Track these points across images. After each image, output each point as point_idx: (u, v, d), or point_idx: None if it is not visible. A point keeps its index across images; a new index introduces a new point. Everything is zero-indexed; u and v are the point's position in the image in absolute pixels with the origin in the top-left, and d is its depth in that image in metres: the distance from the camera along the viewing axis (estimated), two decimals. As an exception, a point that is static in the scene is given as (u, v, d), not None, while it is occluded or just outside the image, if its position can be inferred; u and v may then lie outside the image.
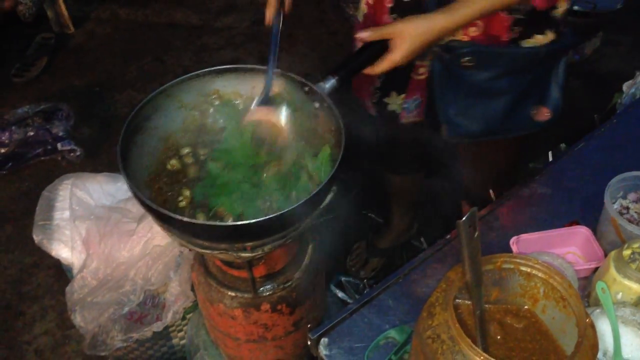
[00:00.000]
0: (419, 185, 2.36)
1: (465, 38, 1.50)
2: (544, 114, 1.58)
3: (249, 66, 1.44)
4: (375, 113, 1.82)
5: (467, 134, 1.59)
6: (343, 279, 2.37)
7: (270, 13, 1.41)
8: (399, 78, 1.68)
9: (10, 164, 2.91)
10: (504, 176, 1.94)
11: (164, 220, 1.27)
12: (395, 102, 1.75)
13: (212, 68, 1.43)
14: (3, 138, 2.90)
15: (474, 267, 0.93)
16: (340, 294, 2.27)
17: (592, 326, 0.93)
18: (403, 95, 1.72)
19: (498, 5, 1.37)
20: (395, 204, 2.48)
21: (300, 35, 3.71)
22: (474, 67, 1.47)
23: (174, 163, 1.42)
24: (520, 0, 1.40)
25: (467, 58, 1.45)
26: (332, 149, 1.38)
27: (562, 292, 0.97)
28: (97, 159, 3.02)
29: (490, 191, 1.57)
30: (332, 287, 2.31)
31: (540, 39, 1.51)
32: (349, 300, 2.23)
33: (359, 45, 1.38)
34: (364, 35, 1.34)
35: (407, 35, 1.31)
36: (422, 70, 1.63)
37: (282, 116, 1.36)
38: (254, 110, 1.37)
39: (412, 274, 1.36)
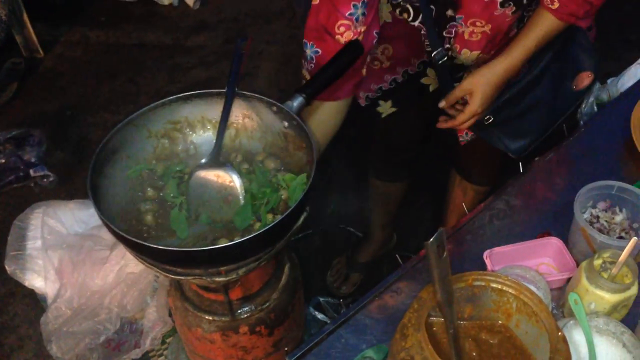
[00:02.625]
0: (403, 195, 2.37)
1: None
2: (585, 79, 1.64)
3: (215, 91, 1.43)
4: (363, 104, 1.87)
5: (530, 145, 1.68)
6: (321, 299, 2.35)
7: None
8: (405, 94, 1.82)
9: (-18, 192, 2.87)
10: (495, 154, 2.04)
11: (137, 250, 1.26)
12: (385, 109, 1.85)
13: (178, 95, 1.42)
14: (-26, 166, 2.85)
15: (445, 286, 0.93)
16: (319, 316, 2.25)
17: (564, 340, 0.93)
18: (396, 109, 1.84)
19: (550, 35, 1.48)
20: (376, 214, 2.49)
21: (272, 52, 3.72)
22: (495, 118, 1.60)
23: (149, 194, 1.41)
24: (568, 24, 1.49)
25: (486, 117, 1.59)
26: (306, 172, 1.38)
27: (533, 307, 0.98)
28: (72, 184, 2.99)
29: (463, 204, 1.58)
30: (311, 309, 2.28)
31: None
32: (328, 322, 2.21)
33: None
34: (442, 104, 1.56)
35: (477, 87, 1.49)
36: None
37: (234, 178, 1.36)
38: (200, 172, 1.37)
39: (387, 292, 1.36)
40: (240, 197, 1.37)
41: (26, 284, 1.87)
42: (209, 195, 1.38)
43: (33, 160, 2.92)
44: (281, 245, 1.33)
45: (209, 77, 3.58)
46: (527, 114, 1.64)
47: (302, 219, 1.34)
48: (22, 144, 2.97)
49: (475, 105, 1.51)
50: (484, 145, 1.94)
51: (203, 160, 1.40)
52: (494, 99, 1.54)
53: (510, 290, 1.00)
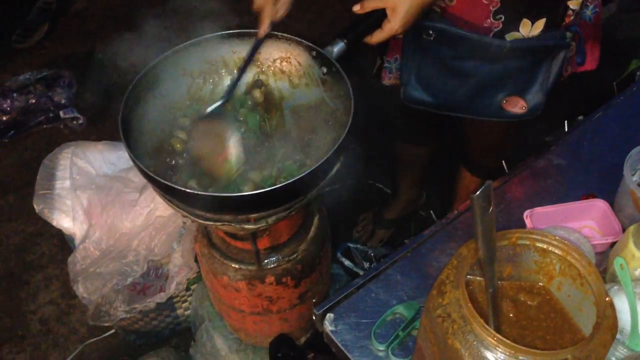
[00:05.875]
0: (429, 159, 2.31)
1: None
2: (518, 106, 1.53)
3: (254, 31, 1.38)
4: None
5: (421, 102, 1.58)
6: (351, 245, 2.32)
7: (265, 25, 1.35)
8: None
9: (12, 132, 2.87)
10: (500, 150, 1.93)
11: (167, 192, 1.24)
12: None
13: (216, 33, 1.38)
14: (4, 105, 2.84)
15: (488, 243, 0.88)
16: (347, 262, 2.22)
17: (612, 306, 0.89)
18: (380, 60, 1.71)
19: None
20: (404, 175, 2.44)
21: (307, 1, 3.62)
22: (435, 41, 1.44)
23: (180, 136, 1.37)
24: None
25: (429, 31, 1.43)
26: (340, 116, 1.33)
27: (581, 269, 0.93)
28: (101, 127, 2.98)
29: (503, 162, 1.52)
30: (339, 255, 2.26)
31: (526, 26, 1.44)
32: (355, 269, 2.19)
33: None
34: (357, 8, 1.31)
35: (403, 3, 1.27)
36: None
37: (232, 137, 1.32)
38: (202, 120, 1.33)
39: (421, 248, 1.32)
40: (234, 161, 1.32)
41: (54, 223, 1.87)
42: (209, 148, 1.34)
43: (63, 101, 2.91)
44: (312, 195, 1.29)
45: (241, 24, 3.51)
46: (453, 73, 1.51)
47: (335, 169, 1.30)
48: (53, 84, 2.95)
49: (396, 23, 1.28)
50: (492, 136, 1.86)
51: (210, 109, 1.34)
52: (416, 20, 1.33)
53: (556, 251, 0.95)
